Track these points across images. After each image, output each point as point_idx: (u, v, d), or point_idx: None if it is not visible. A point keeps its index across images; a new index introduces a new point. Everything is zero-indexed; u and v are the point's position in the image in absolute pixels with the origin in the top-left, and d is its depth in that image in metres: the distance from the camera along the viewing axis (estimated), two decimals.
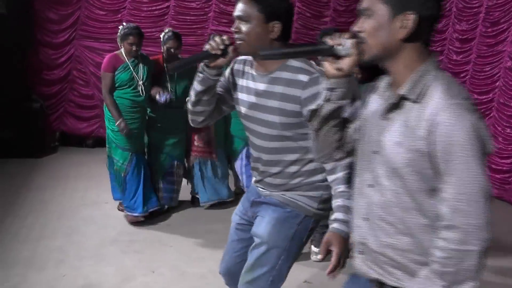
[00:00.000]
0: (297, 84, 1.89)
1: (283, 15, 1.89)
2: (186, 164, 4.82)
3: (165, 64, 4.42)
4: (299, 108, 1.89)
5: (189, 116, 2.14)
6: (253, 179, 2.21)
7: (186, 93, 4.45)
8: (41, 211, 4.43)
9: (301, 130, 1.94)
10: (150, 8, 6.73)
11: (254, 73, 2.01)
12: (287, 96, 1.90)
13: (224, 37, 1.87)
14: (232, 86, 2.11)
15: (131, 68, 4.14)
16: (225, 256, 2.32)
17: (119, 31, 4.17)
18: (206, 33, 7.05)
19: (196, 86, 1.98)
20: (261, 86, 1.97)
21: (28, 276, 3.27)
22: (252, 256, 2.06)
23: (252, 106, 2.01)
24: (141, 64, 4.21)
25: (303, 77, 1.88)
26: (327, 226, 3.67)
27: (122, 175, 4.25)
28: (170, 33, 4.37)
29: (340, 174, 1.88)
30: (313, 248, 3.78)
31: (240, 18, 1.88)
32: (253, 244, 2.08)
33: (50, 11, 6.40)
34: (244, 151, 5.05)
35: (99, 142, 6.57)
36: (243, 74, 2.07)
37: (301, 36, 7.68)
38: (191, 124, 2.19)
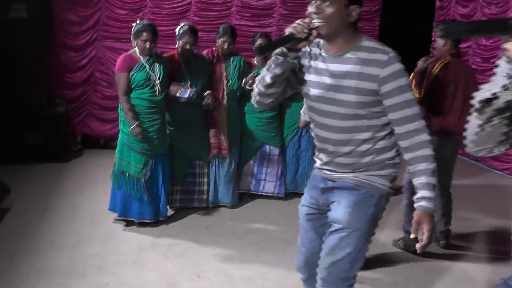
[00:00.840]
0: (375, 63, 1.89)
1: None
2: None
3: (181, 60, 4.25)
4: (377, 87, 1.91)
5: (256, 98, 2.11)
6: (317, 163, 2.18)
7: (204, 89, 4.31)
8: (74, 216, 4.29)
9: (375, 109, 1.96)
10: (171, 6, 6.57)
11: (324, 54, 1.99)
12: (365, 75, 1.90)
13: (308, 20, 1.83)
14: (298, 68, 2.06)
15: (147, 67, 3.93)
16: (301, 248, 2.28)
17: (132, 29, 3.96)
18: None
19: (274, 69, 1.93)
20: (335, 67, 1.95)
21: (70, 285, 3.13)
22: (332, 240, 2.06)
23: (325, 87, 1.98)
24: (156, 63, 4.00)
25: (381, 56, 1.89)
26: None
27: (142, 180, 4.03)
28: (185, 27, 4.19)
29: (419, 152, 1.92)
30: None
31: None
32: (332, 229, 2.08)
33: (70, 13, 6.26)
34: (260, 152, 4.86)
35: None
36: (310, 55, 2.03)
37: None
38: (256, 106, 2.18)
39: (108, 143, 6.78)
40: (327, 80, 1.97)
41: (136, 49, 3.95)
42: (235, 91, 4.61)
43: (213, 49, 4.62)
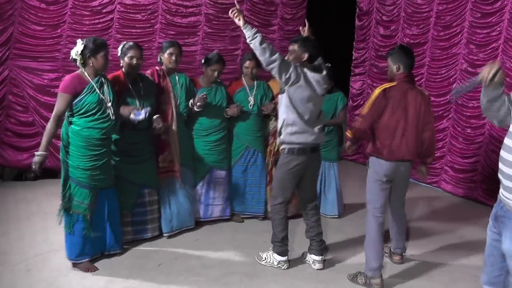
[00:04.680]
0: None
1: None
2: None
3: (128, 81, 3.96)
4: None
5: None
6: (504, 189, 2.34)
7: (152, 112, 3.98)
8: (4, 264, 3.71)
9: None
10: (92, 22, 6.08)
11: None
12: None
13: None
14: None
15: (96, 89, 3.57)
16: (486, 268, 2.48)
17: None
18: (154, 46, 6.55)
19: (482, 95, 2.35)
20: None
21: None
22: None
23: None
24: (105, 84, 3.66)
25: None
26: (321, 233, 3.61)
27: (88, 217, 3.64)
28: (130, 42, 4.02)
29: None
30: (314, 257, 3.83)
31: None
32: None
33: None
34: (207, 176, 4.66)
35: (42, 173, 5.79)
36: None
37: (248, 46, 7.37)
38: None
39: (22, 174, 6.09)
40: None
41: (83, 69, 3.58)
42: (182, 111, 4.39)
43: (157, 68, 4.34)
